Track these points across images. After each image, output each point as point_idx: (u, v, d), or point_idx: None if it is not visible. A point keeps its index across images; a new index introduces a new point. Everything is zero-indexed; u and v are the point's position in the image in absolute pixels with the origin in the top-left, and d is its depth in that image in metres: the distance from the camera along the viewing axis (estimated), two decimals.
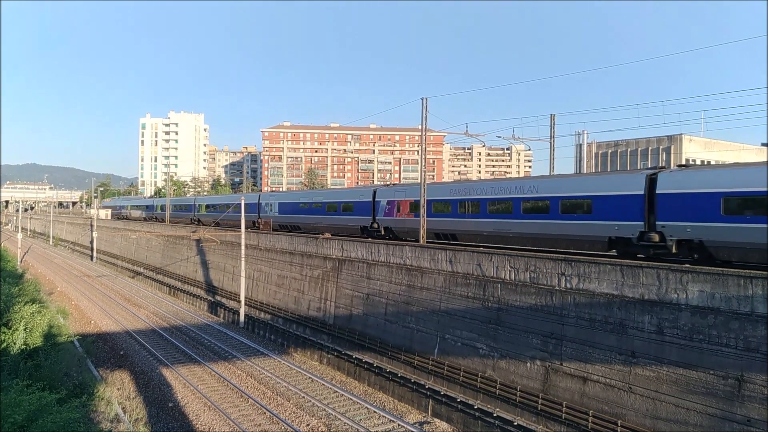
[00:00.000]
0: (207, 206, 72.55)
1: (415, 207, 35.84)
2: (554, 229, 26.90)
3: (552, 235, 27.10)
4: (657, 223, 22.52)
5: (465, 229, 32.50)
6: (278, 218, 54.73)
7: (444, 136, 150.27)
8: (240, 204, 48.93)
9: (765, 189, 18.81)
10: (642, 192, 23.20)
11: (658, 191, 22.53)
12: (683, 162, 63.93)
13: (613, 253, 24.50)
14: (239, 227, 46.36)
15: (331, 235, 39.52)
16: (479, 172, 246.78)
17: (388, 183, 43.65)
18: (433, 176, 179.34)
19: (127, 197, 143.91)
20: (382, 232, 39.44)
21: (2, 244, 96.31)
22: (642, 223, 23.15)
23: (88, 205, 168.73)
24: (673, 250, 22.11)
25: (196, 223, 72.88)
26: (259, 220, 56.93)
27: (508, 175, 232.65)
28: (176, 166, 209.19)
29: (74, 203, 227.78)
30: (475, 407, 23.99)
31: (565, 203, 26.38)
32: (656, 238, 22.54)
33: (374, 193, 40.32)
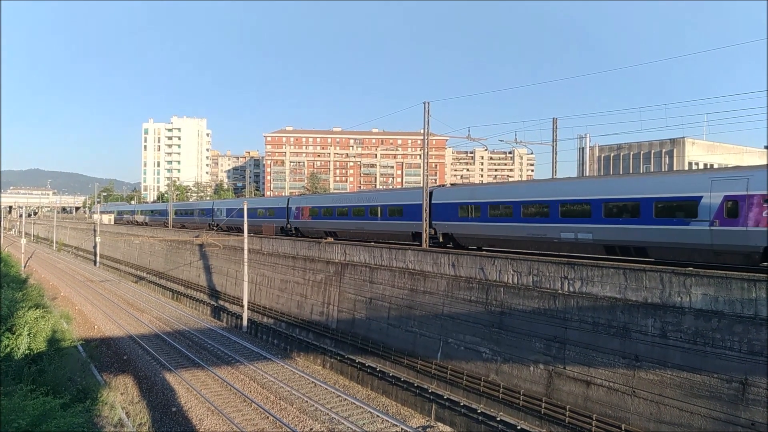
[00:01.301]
0: (322, 210, 62.23)
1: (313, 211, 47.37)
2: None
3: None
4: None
5: (344, 228, 43.28)
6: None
7: (446, 139, 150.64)
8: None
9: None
10: None
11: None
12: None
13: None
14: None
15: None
16: (482, 175, 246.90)
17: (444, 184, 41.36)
18: (436, 180, 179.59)
19: (115, 203, 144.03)
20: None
21: (6, 250, 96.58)
22: None
23: (90, 209, 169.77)
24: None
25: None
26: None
27: (510, 179, 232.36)
28: (179, 171, 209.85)
29: (77, 208, 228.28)
30: (479, 411, 23.97)
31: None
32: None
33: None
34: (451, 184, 40.43)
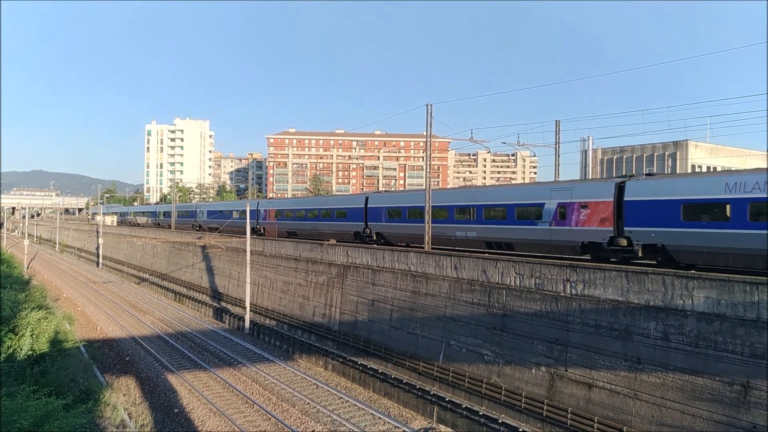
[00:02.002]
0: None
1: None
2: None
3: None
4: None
5: (302, 228, 50.41)
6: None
7: (449, 142, 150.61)
8: (252, 210, 49.05)
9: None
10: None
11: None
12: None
13: None
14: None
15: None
16: (484, 178, 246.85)
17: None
18: (438, 182, 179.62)
19: (111, 205, 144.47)
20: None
21: (9, 251, 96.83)
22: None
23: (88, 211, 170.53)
24: None
25: (197, 228, 71.86)
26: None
27: (513, 181, 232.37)
28: (182, 172, 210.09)
29: (80, 210, 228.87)
30: (480, 413, 23.96)
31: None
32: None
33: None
34: (385, 191, 54.18)
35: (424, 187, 35.73)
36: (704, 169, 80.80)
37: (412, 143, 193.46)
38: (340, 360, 33.54)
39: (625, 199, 24.32)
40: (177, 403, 28.64)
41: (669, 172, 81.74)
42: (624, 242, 24.18)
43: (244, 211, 56.31)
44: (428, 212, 33.29)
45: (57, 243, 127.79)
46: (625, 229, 24.20)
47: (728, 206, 20.64)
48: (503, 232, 29.85)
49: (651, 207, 23.40)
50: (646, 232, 23.40)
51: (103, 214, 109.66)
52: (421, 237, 34.42)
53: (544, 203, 27.77)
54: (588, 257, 26.25)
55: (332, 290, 36.68)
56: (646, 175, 26.43)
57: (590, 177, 53.04)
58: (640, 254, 23.81)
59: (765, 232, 19.29)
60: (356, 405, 28.20)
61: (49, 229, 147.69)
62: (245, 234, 45.06)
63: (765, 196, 19.46)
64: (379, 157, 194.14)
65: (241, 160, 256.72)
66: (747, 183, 20.20)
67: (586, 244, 26.04)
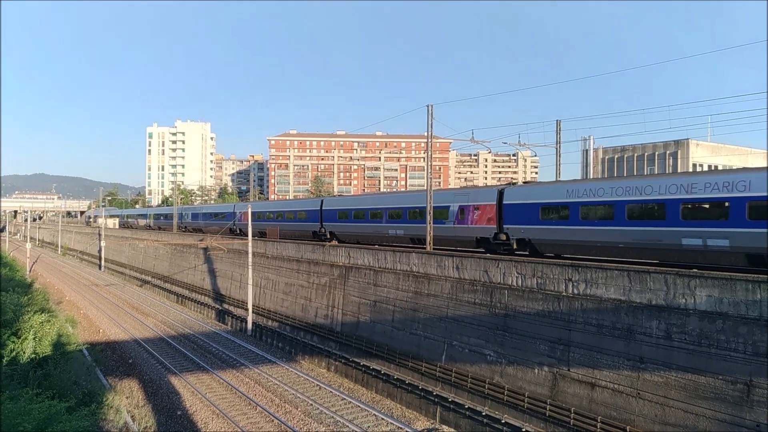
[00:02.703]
0: (256, 214, 63.16)
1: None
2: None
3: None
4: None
5: (271, 228, 54.41)
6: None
7: (450, 142, 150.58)
8: (229, 212, 50.70)
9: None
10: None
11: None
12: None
13: None
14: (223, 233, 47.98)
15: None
16: (485, 178, 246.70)
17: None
18: (440, 183, 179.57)
19: (106, 207, 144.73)
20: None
21: (11, 254, 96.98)
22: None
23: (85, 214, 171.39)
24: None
25: (183, 229, 75.41)
26: (234, 227, 60.77)
27: (513, 182, 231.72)
28: (183, 174, 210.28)
29: (82, 212, 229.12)
30: (483, 414, 23.95)
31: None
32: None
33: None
34: (339, 195, 59.98)
35: (363, 193, 42.61)
36: (705, 167, 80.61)
37: (414, 144, 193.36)
38: (343, 361, 33.55)
39: (504, 202, 30.18)
40: (180, 406, 28.66)
41: (670, 171, 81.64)
42: (504, 237, 29.88)
43: (223, 214, 67.77)
44: (429, 212, 33.23)
45: (59, 246, 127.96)
46: (504, 226, 30.04)
47: (568, 209, 26.46)
48: (421, 229, 34.66)
49: (520, 209, 29.05)
50: (518, 229, 29.22)
51: (95, 216, 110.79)
52: (362, 235, 40.85)
53: (449, 206, 33.56)
54: (482, 249, 31.41)
55: (334, 291, 36.69)
56: (524, 182, 33.55)
57: (591, 177, 53.11)
58: (514, 246, 29.26)
59: (593, 228, 25.23)
60: (359, 406, 28.20)
61: (51, 232, 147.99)
62: (224, 233, 47.47)
63: (593, 200, 25.29)
64: (380, 158, 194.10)
65: (242, 162, 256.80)
66: (578, 190, 26.11)
67: (479, 239, 31.64)
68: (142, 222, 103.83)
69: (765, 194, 19.42)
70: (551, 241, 27.61)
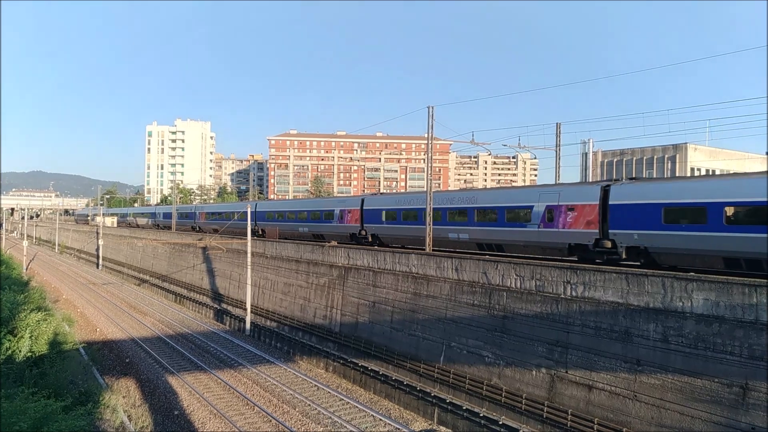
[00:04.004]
0: (211, 214, 74.37)
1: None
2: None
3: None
4: None
5: (218, 227, 63.91)
6: (204, 224, 66.97)
7: (450, 144, 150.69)
8: (191, 212, 52.68)
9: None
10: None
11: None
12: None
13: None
14: (187, 229, 49.36)
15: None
16: (485, 180, 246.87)
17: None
18: (439, 184, 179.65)
19: (91, 207, 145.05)
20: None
21: (8, 252, 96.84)
22: None
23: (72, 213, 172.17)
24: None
25: (156, 226, 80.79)
26: (195, 225, 66.11)
27: (513, 183, 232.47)
28: (182, 174, 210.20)
29: (72, 211, 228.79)
30: (481, 415, 23.99)
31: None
32: None
33: None
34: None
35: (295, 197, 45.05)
36: (702, 172, 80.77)
37: (414, 145, 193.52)
38: (341, 362, 33.56)
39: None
40: (177, 405, 28.65)
41: (668, 175, 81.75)
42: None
43: (186, 213, 78.79)
44: (429, 214, 33.30)
45: (56, 244, 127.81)
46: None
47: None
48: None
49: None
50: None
51: (93, 215, 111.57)
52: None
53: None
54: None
55: (333, 292, 36.71)
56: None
57: (590, 180, 53.27)
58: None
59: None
60: (357, 407, 28.22)
61: (48, 230, 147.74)
62: (189, 230, 51.08)
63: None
64: (380, 159, 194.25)
65: (242, 161, 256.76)
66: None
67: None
68: (142, 221, 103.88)
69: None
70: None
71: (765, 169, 34.73)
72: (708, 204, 21.28)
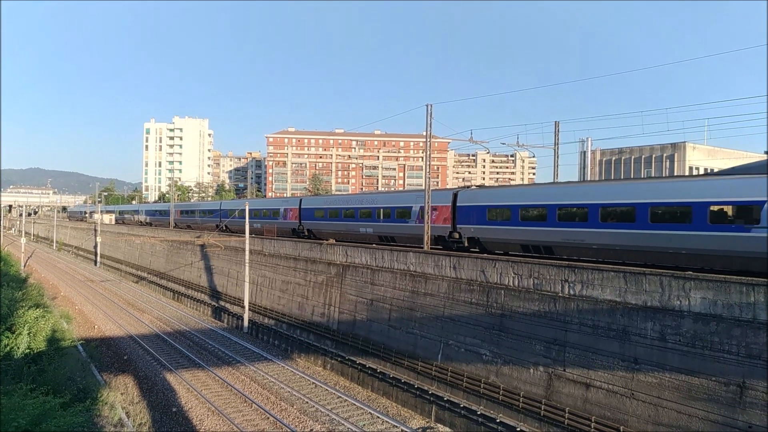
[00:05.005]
0: (180, 211, 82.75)
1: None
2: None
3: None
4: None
5: (191, 222, 75.28)
6: (180, 220, 77.61)
7: (448, 142, 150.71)
8: (167, 210, 52.35)
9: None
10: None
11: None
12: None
13: None
14: (166, 225, 50.21)
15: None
16: (483, 178, 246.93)
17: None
18: (438, 183, 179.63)
19: (84, 205, 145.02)
20: None
21: (6, 249, 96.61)
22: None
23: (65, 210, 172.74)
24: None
25: (140, 223, 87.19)
26: (222, 225, 64.49)
27: (512, 182, 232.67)
28: (180, 171, 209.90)
29: (65, 208, 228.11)
30: (478, 413, 24.03)
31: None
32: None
33: None
34: (237, 198, 72.57)
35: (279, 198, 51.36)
36: (701, 171, 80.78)
37: (412, 143, 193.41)
38: (339, 359, 33.58)
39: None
40: (175, 402, 28.66)
41: (666, 174, 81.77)
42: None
43: (164, 211, 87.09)
44: (428, 212, 33.36)
45: (54, 241, 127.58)
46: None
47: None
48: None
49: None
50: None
51: (90, 212, 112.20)
52: (343, 234, 43.90)
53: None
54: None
55: (331, 290, 36.72)
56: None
57: (589, 178, 53.27)
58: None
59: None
60: (355, 404, 28.25)
61: (46, 227, 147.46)
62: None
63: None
64: (378, 157, 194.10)
65: (240, 159, 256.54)
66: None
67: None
68: (144, 219, 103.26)
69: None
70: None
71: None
72: (512, 206, 29.55)
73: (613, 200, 25.03)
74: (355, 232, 42.09)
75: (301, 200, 49.39)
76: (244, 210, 48.04)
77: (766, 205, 19.52)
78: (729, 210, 20.71)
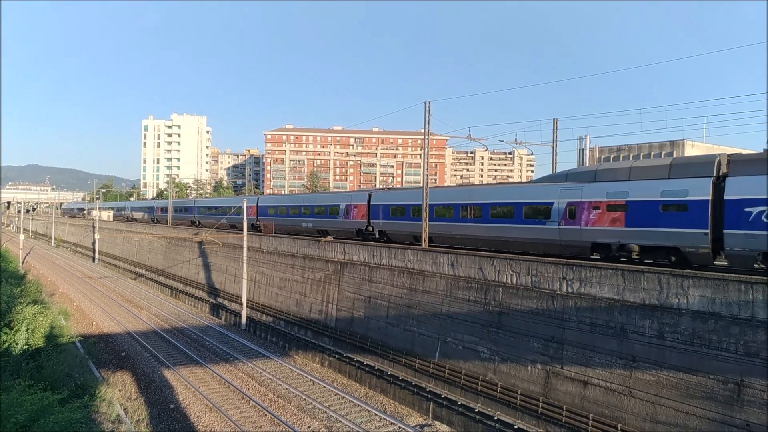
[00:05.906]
0: (153, 208, 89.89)
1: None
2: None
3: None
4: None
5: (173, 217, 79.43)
6: (160, 216, 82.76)
7: (447, 139, 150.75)
8: (151, 207, 54.91)
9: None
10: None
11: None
12: None
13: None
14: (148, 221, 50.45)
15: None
16: (481, 176, 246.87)
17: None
18: (436, 180, 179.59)
19: (75, 202, 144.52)
20: None
21: (4, 245, 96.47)
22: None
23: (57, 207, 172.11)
24: None
25: (126, 219, 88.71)
26: (195, 220, 68.36)
27: (510, 179, 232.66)
28: (179, 168, 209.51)
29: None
30: (476, 410, 24.04)
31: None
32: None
33: None
34: (207, 197, 77.56)
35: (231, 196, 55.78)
36: None
37: (410, 140, 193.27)
38: (337, 356, 33.58)
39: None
40: (173, 399, 28.65)
41: None
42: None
43: (149, 208, 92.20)
44: (425, 210, 33.30)
45: (52, 238, 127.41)
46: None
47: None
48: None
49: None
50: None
51: (66, 209, 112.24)
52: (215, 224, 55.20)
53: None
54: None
55: (329, 287, 36.71)
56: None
57: None
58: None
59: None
60: (352, 401, 28.26)
61: (44, 223, 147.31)
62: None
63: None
64: (376, 154, 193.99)
65: (238, 156, 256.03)
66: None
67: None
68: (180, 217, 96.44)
69: None
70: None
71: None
72: (406, 205, 36.63)
73: (468, 201, 32.23)
74: (299, 226, 49.15)
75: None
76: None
77: (554, 205, 26.36)
78: (533, 209, 27.70)
